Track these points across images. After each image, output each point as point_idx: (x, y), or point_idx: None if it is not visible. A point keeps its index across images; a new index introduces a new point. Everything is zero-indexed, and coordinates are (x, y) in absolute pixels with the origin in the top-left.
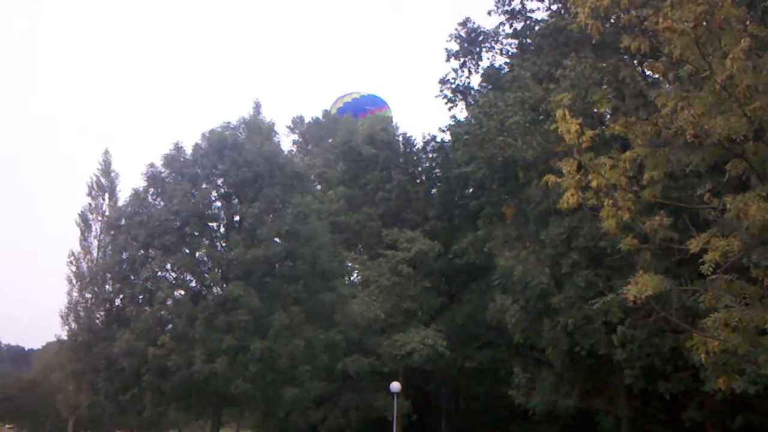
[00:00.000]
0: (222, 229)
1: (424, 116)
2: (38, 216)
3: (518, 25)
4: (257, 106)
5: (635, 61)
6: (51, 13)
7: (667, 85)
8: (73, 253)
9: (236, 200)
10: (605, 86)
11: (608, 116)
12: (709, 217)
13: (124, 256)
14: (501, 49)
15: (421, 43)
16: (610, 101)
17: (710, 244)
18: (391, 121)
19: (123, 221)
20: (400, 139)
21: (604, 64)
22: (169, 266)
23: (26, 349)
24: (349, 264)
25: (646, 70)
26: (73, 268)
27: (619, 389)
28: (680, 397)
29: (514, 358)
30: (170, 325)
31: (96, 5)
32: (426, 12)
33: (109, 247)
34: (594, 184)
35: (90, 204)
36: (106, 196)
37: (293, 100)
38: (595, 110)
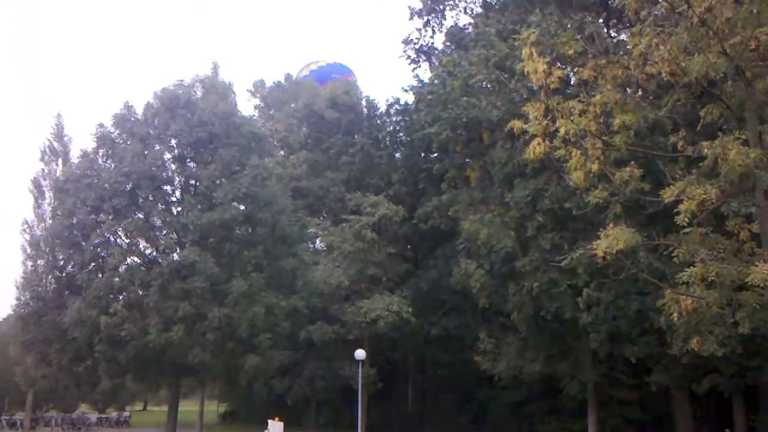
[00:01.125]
0: (177, 193)
1: (387, 78)
2: None
3: None
4: (215, 67)
5: (601, 20)
6: None
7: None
8: (26, 221)
9: (191, 162)
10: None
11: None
12: (679, 171)
13: (74, 221)
14: (465, 8)
15: (385, 1)
16: (578, 42)
17: (686, 193)
18: (356, 88)
19: (70, 184)
20: (364, 102)
21: (570, 20)
22: (121, 231)
23: None
24: (312, 230)
25: (612, 31)
26: (27, 237)
27: (584, 354)
28: (646, 361)
29: (480, 324)
30: (123, 293)
31: None
32: None
33: (58, 212)
34: (562, 131)
35: (43, 170)
36: (60, 161)
37: (254, 64)
38: (561, 53)
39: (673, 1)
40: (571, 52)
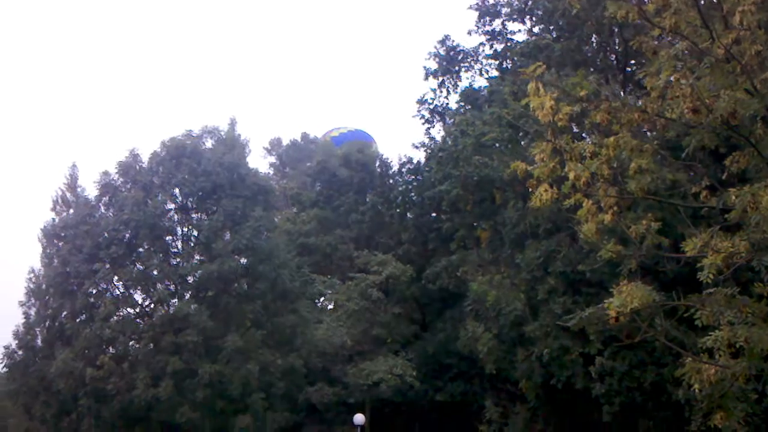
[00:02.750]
0: (178, 244)
1: (401, 137)
2: None
3: (498, 47)
4: (233, 123)
5: (618, 84)
6: (8, 15)
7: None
8: (33, 270)
9: (194, 213)
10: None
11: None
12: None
13: (69, 269)
14: (480, 69)
15: (400, 60)
16: (591, 84)
17: (711, 246)
18: (372, 147)
19: (67, 231)
20: (377, 161)
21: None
22: (116, 281)
23: None
24: (319, 287)
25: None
26: (32, 285)
27: (596, 427)
28: None
29: (487, 391)
30: (112, 345)
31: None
32: (405, 30)
33: (55, 259)
34: (571, 175)
35: (54, 219)
36: (71, 211)
37: (271, 122)
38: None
39: (696, 36)
40: (582, 93)
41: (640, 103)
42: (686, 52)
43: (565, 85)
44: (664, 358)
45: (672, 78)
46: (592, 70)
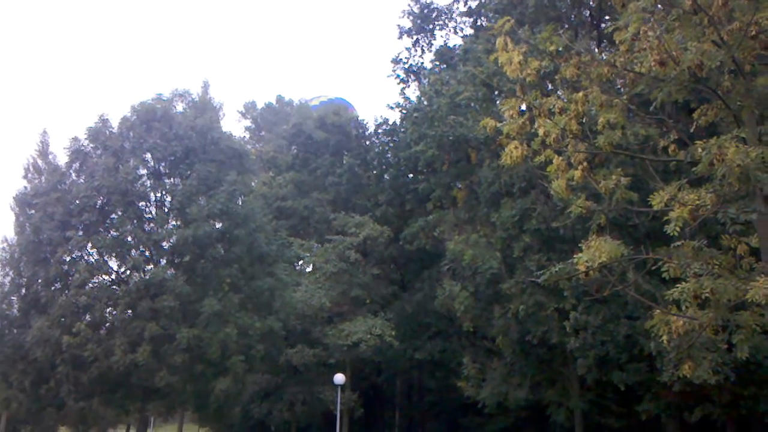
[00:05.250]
0: (152, 209)
1: (377, 98)
2: None
3: (473, 3)
4: (205, 86)
5: (592, 40)
6: None
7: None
8: (6, 239)
9: (167, 178)
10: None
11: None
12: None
13: (42, 237)
14: (455, 27)
15: (375, 20)
16: (561, 39)
17: (678, 199)
18: (347, 109)
19: (38, 199)
20: (352, 122)
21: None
22: (90, 248)
23: None
24: (297, 251)
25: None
26: (5, 254)
27: (571, 380)
28: (635, 388)
29: (465, 348)
30: (88, 312)
31: None
32: None
33: (26, 227)
34: (541, 131)
35: (26, 187)
36: (43, 178)
37: (245, 86)
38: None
39: None
40: (552, 48)
41: (611, 53)
42: (656, 5)
43: (536, 40)
44: (636, 312)
45: (640, 31)
46: (566, 26)
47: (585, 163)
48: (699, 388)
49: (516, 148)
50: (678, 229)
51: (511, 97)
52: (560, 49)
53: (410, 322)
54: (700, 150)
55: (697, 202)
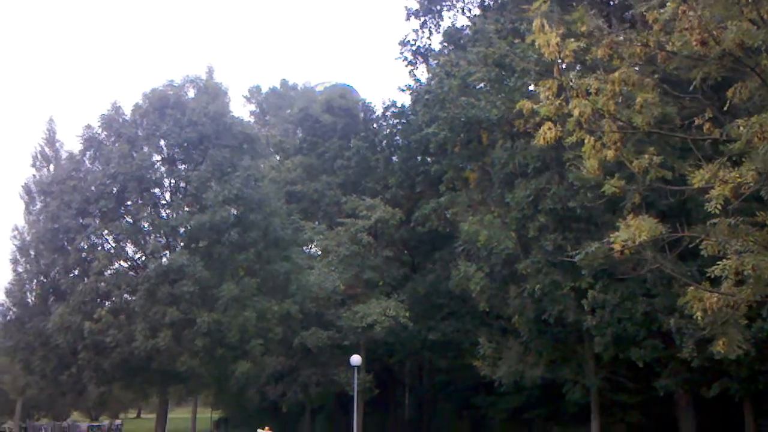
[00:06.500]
0: (167, 195)
1: (384, 81)
2: None
3: None
4: (210, 71)
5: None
6: None
7: None
8: (17, 228)
9: (181, 164)
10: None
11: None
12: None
13: (59, 225)
14: (462, 8)
15: (376, 4)
16: (591, 19)
17: (719, 177)
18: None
19: (55, 187)
20: (360, 105)
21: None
22: (107, 235)
23: None
24: (308, 234)
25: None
26: (18, 243)
27: (587, 358)
28: (652, 365)
29: (479, 328)
30: (109, 299)
31: None
32: None
33: (42, 216)
34: (576, 112)
35: (34, 175)
36: (51, 166)
37: (250, 70)
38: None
39: None
40: (583, 28)
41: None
42: None
43: (569, 21)
44: (655, 290)
45: (678, 11)
46: (592, 11)
47: (619, 143)
48: (717, 363)
49: (550, 129)
50: (719, 207)
51: (547, 79)
52: (591, 29)
53: (423, 303)
54: (740, 127)
55: (739, 179)
